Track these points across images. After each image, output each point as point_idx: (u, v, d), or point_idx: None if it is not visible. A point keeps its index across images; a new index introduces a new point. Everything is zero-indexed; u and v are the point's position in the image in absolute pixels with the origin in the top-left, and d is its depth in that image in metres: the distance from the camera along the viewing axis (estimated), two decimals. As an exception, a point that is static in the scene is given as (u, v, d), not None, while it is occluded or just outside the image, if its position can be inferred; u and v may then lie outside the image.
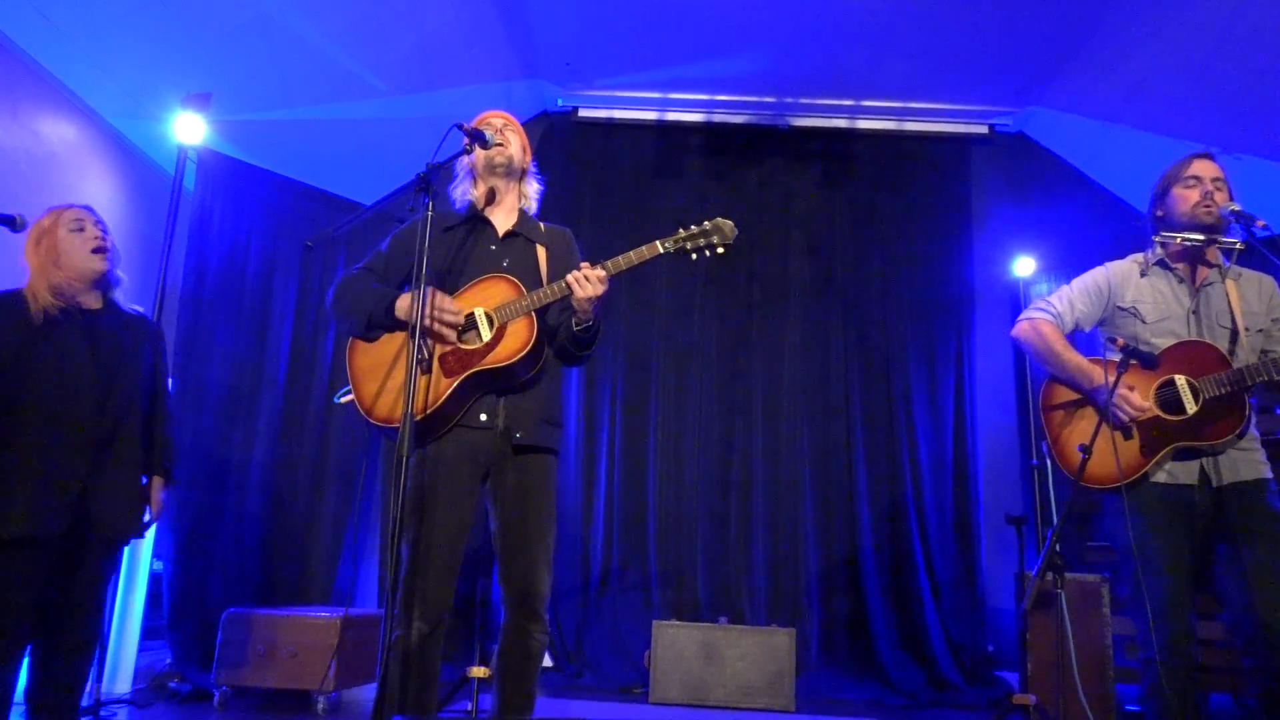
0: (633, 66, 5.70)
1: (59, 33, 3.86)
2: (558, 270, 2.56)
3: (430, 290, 2.33)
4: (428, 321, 2.32)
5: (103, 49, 4.05)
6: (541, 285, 2.50)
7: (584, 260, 2.56)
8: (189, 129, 4.29)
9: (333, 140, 5.21)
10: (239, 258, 4.76)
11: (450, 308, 2.36)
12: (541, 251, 2.61)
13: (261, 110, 4.80)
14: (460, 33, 5.02)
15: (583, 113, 6.13)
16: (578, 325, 2.41)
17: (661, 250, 2.38)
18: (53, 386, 2.63)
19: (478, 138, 2.41)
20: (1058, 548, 3.89)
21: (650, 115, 6.15)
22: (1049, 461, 2.76)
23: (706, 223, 2.40)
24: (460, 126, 2.40)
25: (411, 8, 4.67)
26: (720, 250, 2.39)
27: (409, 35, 4.83)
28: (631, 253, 2.37)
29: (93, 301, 2.81)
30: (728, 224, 2.39)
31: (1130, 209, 5.69)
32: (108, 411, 2.71)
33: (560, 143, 6.14)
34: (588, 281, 2.32)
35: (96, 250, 2.78)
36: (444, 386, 2.32)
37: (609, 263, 2.37)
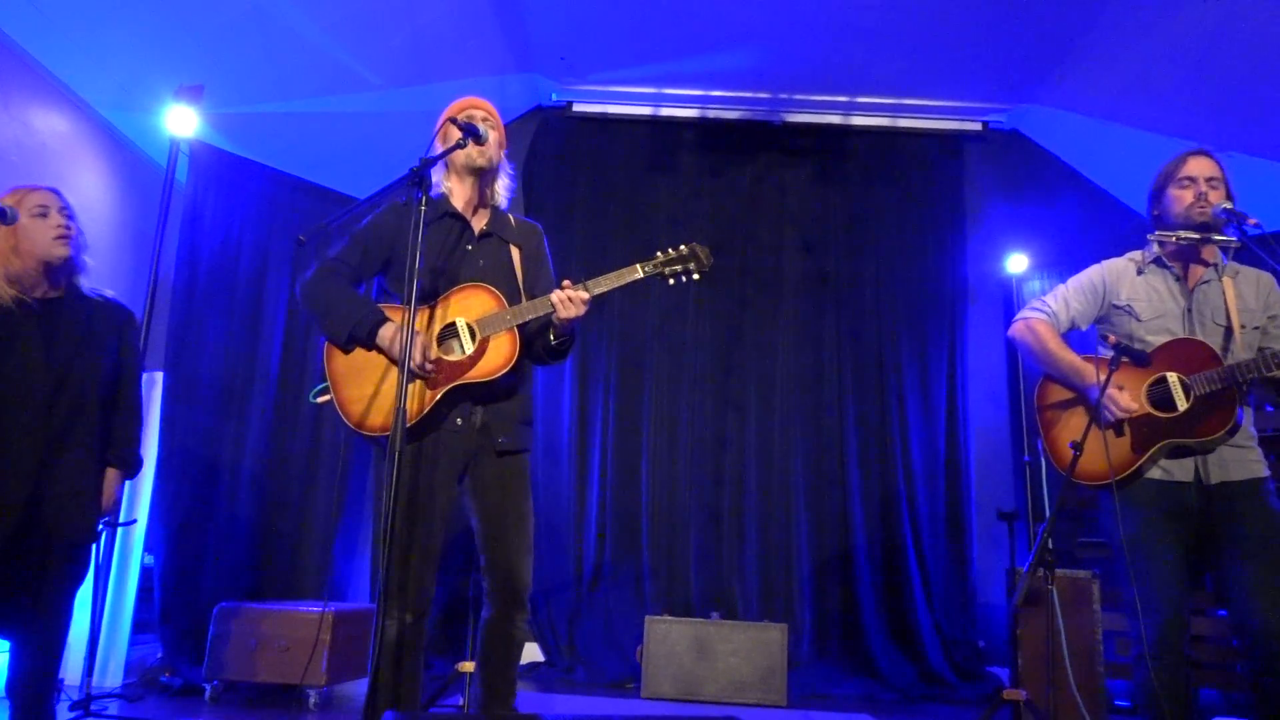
0: (627, 61, 5.69)
1: (50, 24, 3.84)
2: (530, 271, 2.62)
3: (417, 338, 2.31)
4: (413, 365, 2.30)
5: (94, 40, 4.03)
6: (517, 286, 2.55)
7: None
8: (181, 121, 4.27)
9: (326, 134, 5.20)
10: (231, 251, 4.74)
11: (431, 362, 2.35)
12: (515, 252, 2.63)
13: (255, 103, 4.78)
14: (454, 27, 5.00)
15: (577, 107, 6.12)
16: (555, 339, 2.47)
17: (641, 274, 2.45)
18: (2, 383, 2.51)
19: (471, 132, 2.40)
20: (1050, 544, 3.91)
21: (644, 110, 6.14)
22: (1043, 458, 2.77)
23: (684, 247, 2.48)
24: (454, 121, 2.41)
25: (406, 1, 4.65)
26: (696, 276, 2.47)
27: (403, 29, 4.81)
28: (612, 274, 2.44)
29: (51, 290, 2.67)
30: (704, 250, 2.48)
31: (1124, 207, 5.71)
32: (59, 407, 2.59)
33: (554, 138, 6.12)
34: (570, 303, 2.37)
35: (59, 238, 2.65)
36: (428, 398, 2.36)
37: (590, 283, 2.41)
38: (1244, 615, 2.36)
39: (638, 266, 2.45)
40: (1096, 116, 5.51)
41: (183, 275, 4.49)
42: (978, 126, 6.06)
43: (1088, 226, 5.71)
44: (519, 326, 2.41)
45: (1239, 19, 4.35)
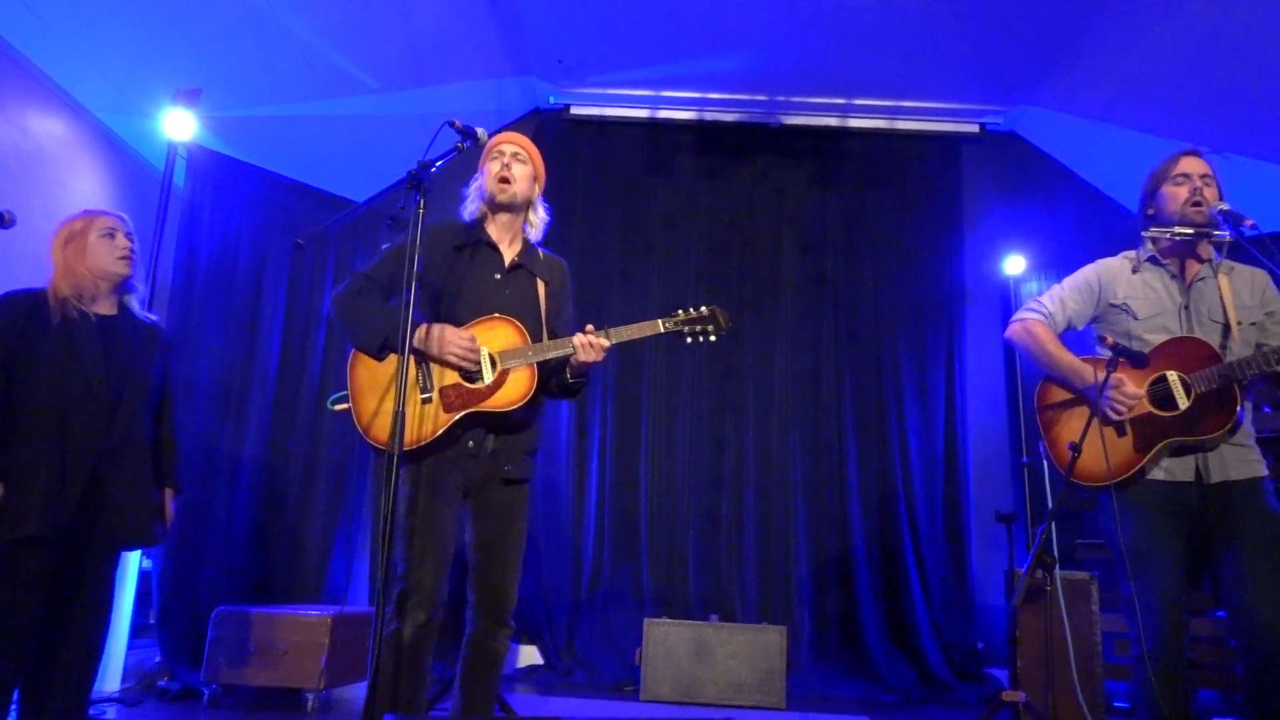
0: (625, 64, 5.69)
1: (47, 27, 3.84)
2: (554, 305, 2.69)
3: (442, 327, 2.44)
4: (448, 356, 2.42)
5: (91, 44, 4.03)
6: (540, 320, 2.62)
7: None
8: (179, 125, 4.27)
9: (324, 137, 5.20)
10: (229, 254, 4.74)
11: (473, 347, 2.43)
12: (541, 287, 2.68)
13: (252, 106, 4.78)
14: (452, 29, 5.00)
15: (574, 110, 6.12)
16: (571, 378, 2.53)
17: (662, 329, 2.54)
18: (65, 388, 2.65)
19: (469, 134, 2.41)
20: (1053, 543, 3.91)
21: (642, 113, 6.14)
22: (1045, 460, 2.77)
23: (705, 309, 2.58)
24: (452, 123, 2.40)
25: (403, 4, 4.65)
26: (714, 338, 2.57)
27: (400, 32, 4.81)
28: (633, 326, 2.52)
29: (109, 308, 2.85)
30: (724, 314, 2.59)
31: (1120, 208, 5.72)
32: (118, 416, 2.74)
33: (552, 141, 6.12)
34: (591, 349, 2.44)
35: (123, 258, 2.84)
36: (442, 420, 2.41)
37: (611, 332, 2.48)
38: (1241, 614, 2.35)
39: (659, 322, 2.53)
40: (1093, 118, 5.52)
41: (180, 278, 4.49)
42: (975, 128, 6.07)
43: (1085, 227, 5.72)
44: (538, 364, 2.46)
45: (1234, 21, 4.36)
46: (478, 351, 2.43)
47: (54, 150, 4.17)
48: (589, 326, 2.46)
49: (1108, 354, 2.55)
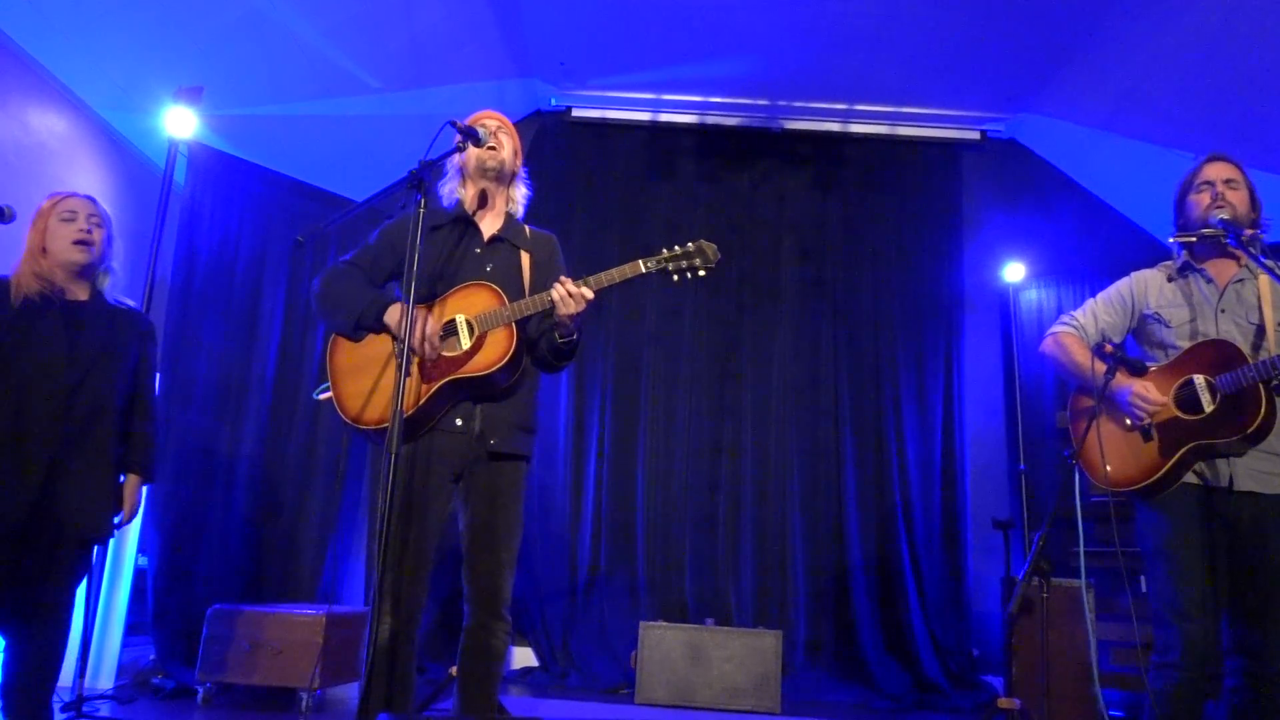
0: (627, 67, 5.70)
1: (49, 24, 3.84)
2: (540, 277, 2.57)
3: (421, 315, 2.36)
4: (415, 345, 2.33)
5: (94, 41, 4.03)
6: (523, 292, 2.52)
7: (566, 265, 2.63)
8: (180, 123, 4.27)
9: (325, 136, 5.20)
10: (229, 252, 4.74)
11: (436, 343, 2.37)
12: (525, 258, 2.61)
13: (254, 105, 4.78)
14: (454, 30, 5.01)
15: (576, 113, 6.13)
16: (560, 338, 2.43)
17: (644, 269, 2.39)
18: (22, 376, 2.56)
19: (470, 135, 2.41)
20: (1073, 549, 3.89)
21: (643, 116, 6.15)
22: (1077, 471, 2.75)
23: (690, 244, 2.42)
24: (453, 123, 2.40)
25: (405, 5, 4.66)
26: (702, 273, 2.41)
27: (402, 32, 4.82)
28: (614, 270, 2.39)
29: (79, 292, 2.75)
30: (711, 246, 2.42)
31: (1121, 216, 5.73)
32: (77, 405, 2.63)
33: (553, 142, 6.13)
34: (571, 299, 2.33)
35: (78, 242, 2.72)
36: (421, 392, 2.35)
37: (592, 279, 2.37)
38: (1251, 645, 2.34)
39: (640, 263, 2.39)
40: (1094, 127, 5.53)
41: (180, 276, 4.49)
42: (976, 135, 6.07)
43: (1084, 235, 5.73)
44: (519, 323, 2.39)
45: (1234, 31, 4.37)
46: (433, 350, 2.37)
47: (55, 146, 4.16)
48: (564, 278, 2.36)
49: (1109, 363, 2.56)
